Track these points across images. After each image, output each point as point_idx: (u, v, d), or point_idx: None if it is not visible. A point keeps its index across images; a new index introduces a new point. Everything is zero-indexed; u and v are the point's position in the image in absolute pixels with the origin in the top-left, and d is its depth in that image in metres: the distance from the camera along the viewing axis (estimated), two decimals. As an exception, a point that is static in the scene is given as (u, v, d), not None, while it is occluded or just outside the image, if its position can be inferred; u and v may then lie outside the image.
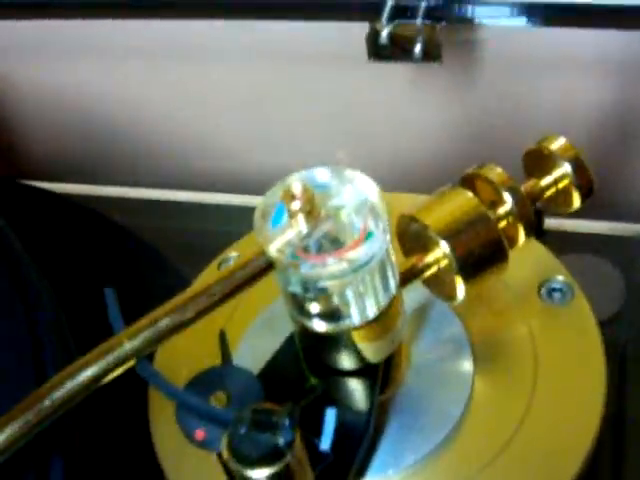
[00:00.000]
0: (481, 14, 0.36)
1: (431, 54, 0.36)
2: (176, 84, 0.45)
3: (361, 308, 0.25)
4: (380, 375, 0.28)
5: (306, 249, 0.24)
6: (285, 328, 0.29)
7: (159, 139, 0.49)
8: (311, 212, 0.24)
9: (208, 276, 0.35)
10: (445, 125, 0.40)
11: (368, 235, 0.24)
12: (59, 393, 0.23)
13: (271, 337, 0.30)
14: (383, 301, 0.26)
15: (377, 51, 0.36)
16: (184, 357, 0.30)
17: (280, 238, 0.24)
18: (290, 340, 0.28)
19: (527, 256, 0.32)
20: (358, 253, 0.24)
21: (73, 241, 0.41)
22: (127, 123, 0.48)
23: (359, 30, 0.37)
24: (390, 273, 0.26)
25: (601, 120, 0.38)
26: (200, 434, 0.25)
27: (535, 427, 0.29)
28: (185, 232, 0.45)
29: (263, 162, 0.42)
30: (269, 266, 0.24)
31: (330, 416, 0.25)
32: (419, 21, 0.35)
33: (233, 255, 0.35)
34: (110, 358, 0.23)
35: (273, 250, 0.24)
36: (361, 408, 0.28)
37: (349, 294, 0.25)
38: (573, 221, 0.42)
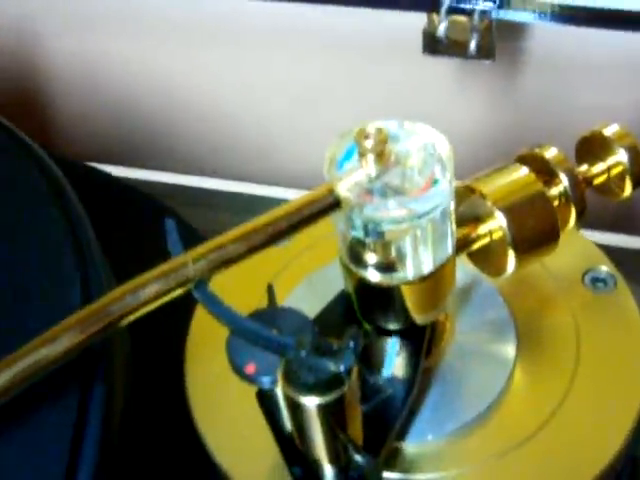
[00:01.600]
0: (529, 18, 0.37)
1: (485, 51, 0.36)
2: (220, 69, 0.46)
3: (417, 262, 0.25)
4: (427, 339, 0.28)
5: (370, 193, 0.24)
6: (330, 293, 0.29)
7: (195, 124, 0.49)
8: (381, 154, 0.24)
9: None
10: (489, 125, 0.41)
11: (434, 183, 0.24)
12: (118, 306, 0.22)
13: (316, 300, 0.29)
14: (439, 259, 0.26)
15: (432, 45, 0.37)
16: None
17: (349, 178, 0.24)
18: (343, 293, 0.28)
19: (571, 245, 0.32)
20: (422, 200, 0.24)
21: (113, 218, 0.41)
22: (161, 107, 0.49)
23: (412, 25, 0.37)
24: (449, 231, 0.26)
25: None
26: (251, 368, 0.24)
27: (574, 411, 0.29)
28: (213, 221, 0.45)
29: (300, 155, 0.43)
30: (335, 205, 0.24)
31: (392, 346, 0.25)
32: (476, 17, 0.36)
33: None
34: (172, 277, 0.23)
35: (343, 189, 0.24)
36: (405, 371, 0.28)
37: (407, 244, 0.25)
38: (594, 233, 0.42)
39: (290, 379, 0.22)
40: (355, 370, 0.22)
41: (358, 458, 0.24)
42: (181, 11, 0.44)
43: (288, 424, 0.27)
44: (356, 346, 0.21)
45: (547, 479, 0.27)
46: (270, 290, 0.28)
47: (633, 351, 0.30)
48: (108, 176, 0.44)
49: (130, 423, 0.28)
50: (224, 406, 0.29)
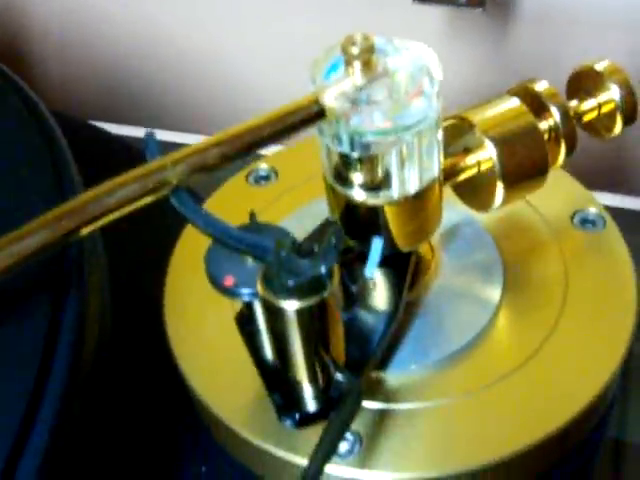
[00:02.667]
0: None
1: (476, -1, 0.36)
2: (215, 24, 0.46)
3: (402, 180, 0.25)
4: (411, 268, 0.27)
5: (356, 103, 0.24)
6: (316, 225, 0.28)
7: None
8: (368, 63, 0.24)
9: (234, 186, 0.34)
10: (478, 77, 0.41)
11: (421, 96, 0.24)
12: (94, 206, 0.22)
13: (301, 233, 0.29)
14: (425, 178, 0.25)
15: (423, -7, 0.37)
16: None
17: (336, 87, 0.24)
18: (327, 221, 0.28)
19: (560, 187, 0.32)
20: (409, 112, 0.24)
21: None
22: (157, 64, 0.48)
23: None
24: (436, 150, 0.25)
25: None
26: (229, 280, 0.24)
27: (559, 347, 0.28)
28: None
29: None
30: (319, 114, 0.24)
31: (376, 244, 0.24)
32: (468, -37, 0.36)
33: (263, 167, 0.35)
34: (151, 179, 0.22)
35: (329, 98, 0.23)
36: (388, 298, 0.27)
37: (393, 159, 0.24)
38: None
39: (270, 284, 0.22)
40: (337, 273, 0.22)
41: (339, 376, 0.24)
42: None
43: (267, 350, 0.26)
44: (338, 244, 0.21)
45: (529, 413, 0.27)
46: (252, 218, 0.28)
47: (622, 290, 0.30)
48: (103, 132, 0.44)
49: (105, 349, 0.27)
50: (203, 338, 0.29)
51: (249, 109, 0.48)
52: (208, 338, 0.29)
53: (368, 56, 0.23)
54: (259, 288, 0.22)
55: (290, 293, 0.21)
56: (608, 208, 0.33)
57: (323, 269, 0.21)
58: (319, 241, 0.25)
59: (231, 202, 0.33)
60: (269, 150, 0.35)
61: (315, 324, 0.22)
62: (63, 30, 0.49)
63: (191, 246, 0.32)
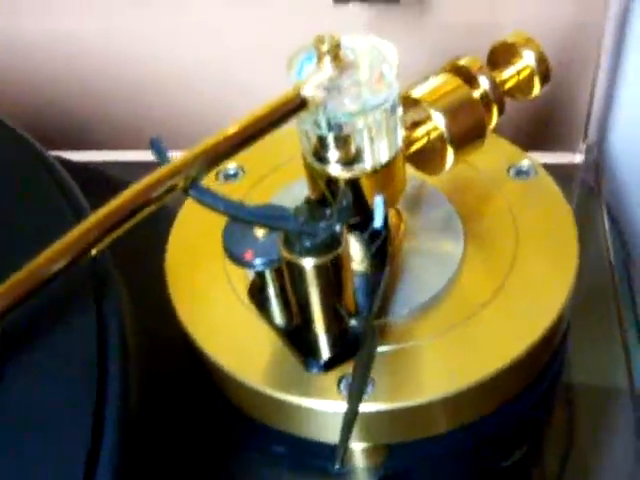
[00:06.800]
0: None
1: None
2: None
3: (373, 153, 0.31)
4: (392, 228, 0.34)
5: (330, 92, 0.30)
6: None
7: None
8: (336, 57, 0.30)
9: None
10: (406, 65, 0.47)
11: (382, 79, 0.30)
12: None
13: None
14: (392, 149, 0.31)
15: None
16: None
17: (312, 80, 0.30)
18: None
19: (492, 146, 0.39)
20: (374, 94, 0.30)
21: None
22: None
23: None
24: (398, 124, 0.31)
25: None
26: (249, 254, 0.29)
27: (520, 280, 0.35)
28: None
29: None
30: (302, 105, 0.29)
31: (379, 201, 0.30)
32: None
33: (231, 165, 0.40)
34: (166, 184, 0.27)
35: (309, 90, 0.29)
36: (376, 256, 0.33)
37: (365, 135, 0.30)
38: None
39: (292, 247, 0.27)
40: (345, 232, 0.27)
41: (354, 322, 0.30)
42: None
43: (278, 314, 0.32)
44: (349, 204, 0.27)
45: (503, 338, 0.33)
46: None
47: (563, 222, 0.37)
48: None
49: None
50: (213, 316, 0.34)
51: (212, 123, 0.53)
52: (218, 315, 0.34)
53: (336, 51, 0.29)
54: (283, 252, 0.27)
55: (311, 252, 0.27)
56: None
57: (338, 228, 0.27)
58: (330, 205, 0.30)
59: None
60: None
61: (331, 277, 0.28)
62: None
63: (182, 240, 0.37)
